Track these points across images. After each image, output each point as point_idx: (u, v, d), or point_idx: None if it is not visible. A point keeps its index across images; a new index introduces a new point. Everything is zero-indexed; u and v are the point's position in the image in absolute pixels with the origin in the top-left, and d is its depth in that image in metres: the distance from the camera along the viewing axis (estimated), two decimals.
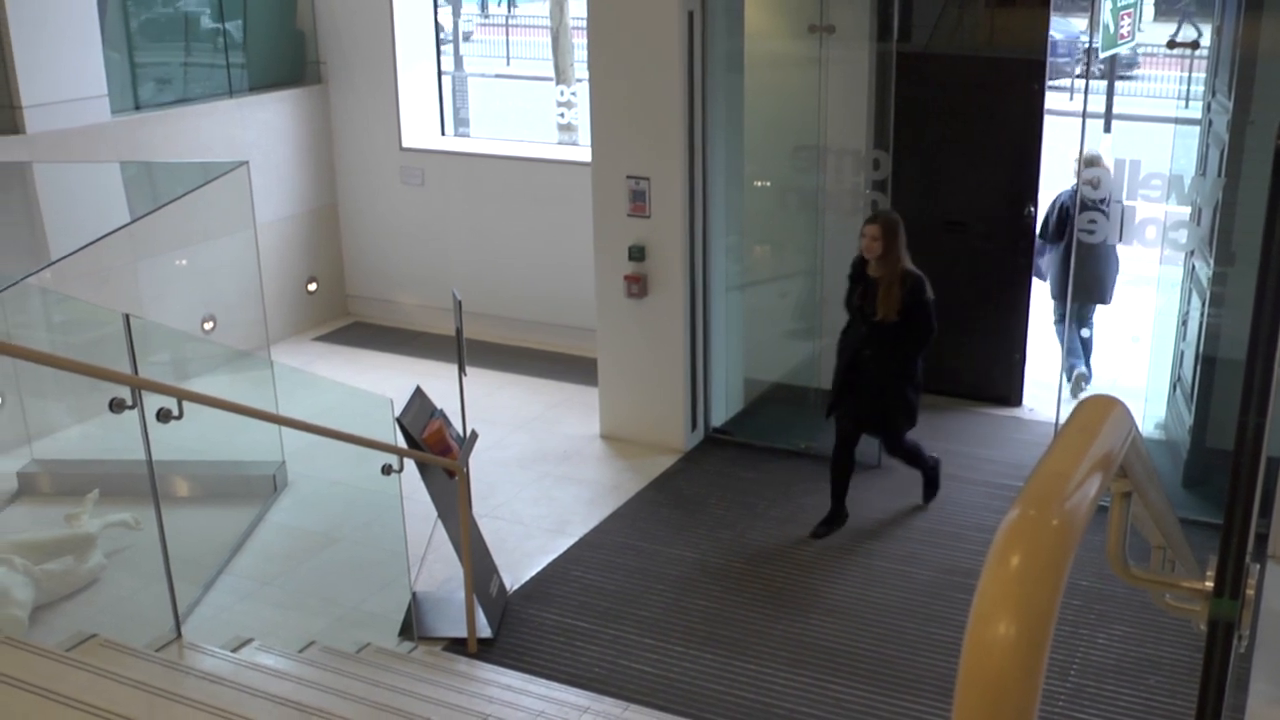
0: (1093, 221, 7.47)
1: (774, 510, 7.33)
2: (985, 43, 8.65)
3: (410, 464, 5.82)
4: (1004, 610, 1.21)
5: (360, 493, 6.79)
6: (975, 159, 8.56)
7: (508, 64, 23.80)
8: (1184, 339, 7.68)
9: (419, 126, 10.49)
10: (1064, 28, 17.58)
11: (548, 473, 7.90)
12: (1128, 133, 13.93)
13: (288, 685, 4.56)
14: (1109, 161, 7.95)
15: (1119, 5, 8.08)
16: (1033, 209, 8.41)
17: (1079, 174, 7.66)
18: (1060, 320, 8.81)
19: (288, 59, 10.35)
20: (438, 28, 10.79)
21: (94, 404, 5.29)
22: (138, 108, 9.28)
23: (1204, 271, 7.23)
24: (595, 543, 7.01)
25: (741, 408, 8.65)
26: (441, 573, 6.61)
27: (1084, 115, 7.54)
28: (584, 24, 7.99)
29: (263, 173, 9.30)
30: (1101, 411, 1.65)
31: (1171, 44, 7.73)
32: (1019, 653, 1.19)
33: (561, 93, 11.54)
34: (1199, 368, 7.25)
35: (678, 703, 5.51)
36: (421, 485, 5.90)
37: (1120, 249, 8.20)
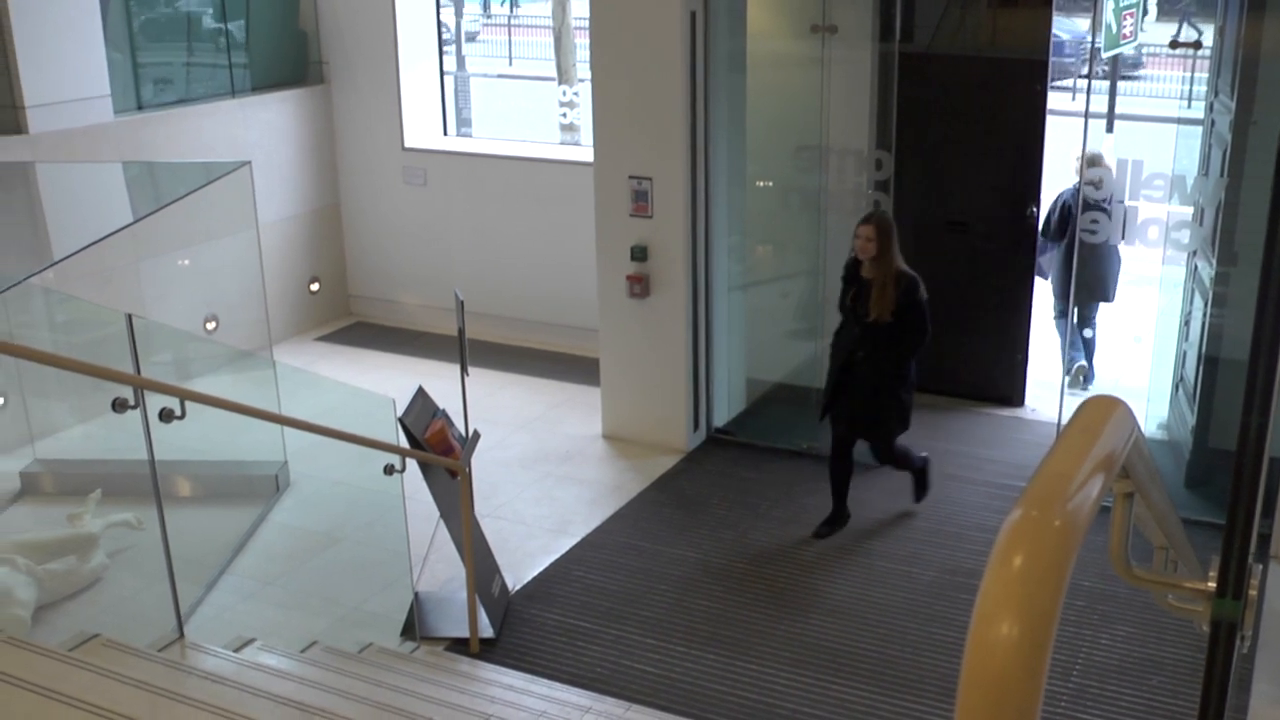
0: (1095, 221, 7.47)
1: (776, 510, 7.33)
2: (987, 43, 8.65)
3: (412, 464, 5.83)
4: (1007, 611, 1.21)
5: (362, 493, 6.79)
6: (977, 159, 8.56)
7: (510, 64, 23.81)
8: (1186, 339, 7.68)
9: (421, 126, 10.49)
10: (1070, 28, 17.56)
11: (550, 473, 7.90)
12: (1130, 133, 13.91)
13: (290, 685, 4.56)
14: (1110, 161, 7.95)
15: (1121, 5, 8.07)
16: (1035, 209, 8.41)
17: (1081, 172, 7.66)
18: (1060, 315, 8.86)
19: (290, 59, 10.36)
20: (440, 27, 10.79)
21: (96, 404, 5.29)
22: (140, 108, 9.29)
23: (1206, 272, 7.22)
24: (597, 543, 7.01)
25: (743, 408, 8.65)
26: (443, 573, 6.61)
27: (1086, 115, 7.54)
28: (586, 24, 7.99)
29: (265, 173, 9.30)
30: (1104, 412, 1.65)
31: (1174, 44, 7.73)
32: (1022, 653, 1.19)
33: (564, 93, 11.56)
34: (1201, 368, 7.25)
35: (680, 703, 5.51)
36: (424, 485, 5.90)
37: (1122, 248, 8.21)
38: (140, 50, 9.36)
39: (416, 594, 6.29)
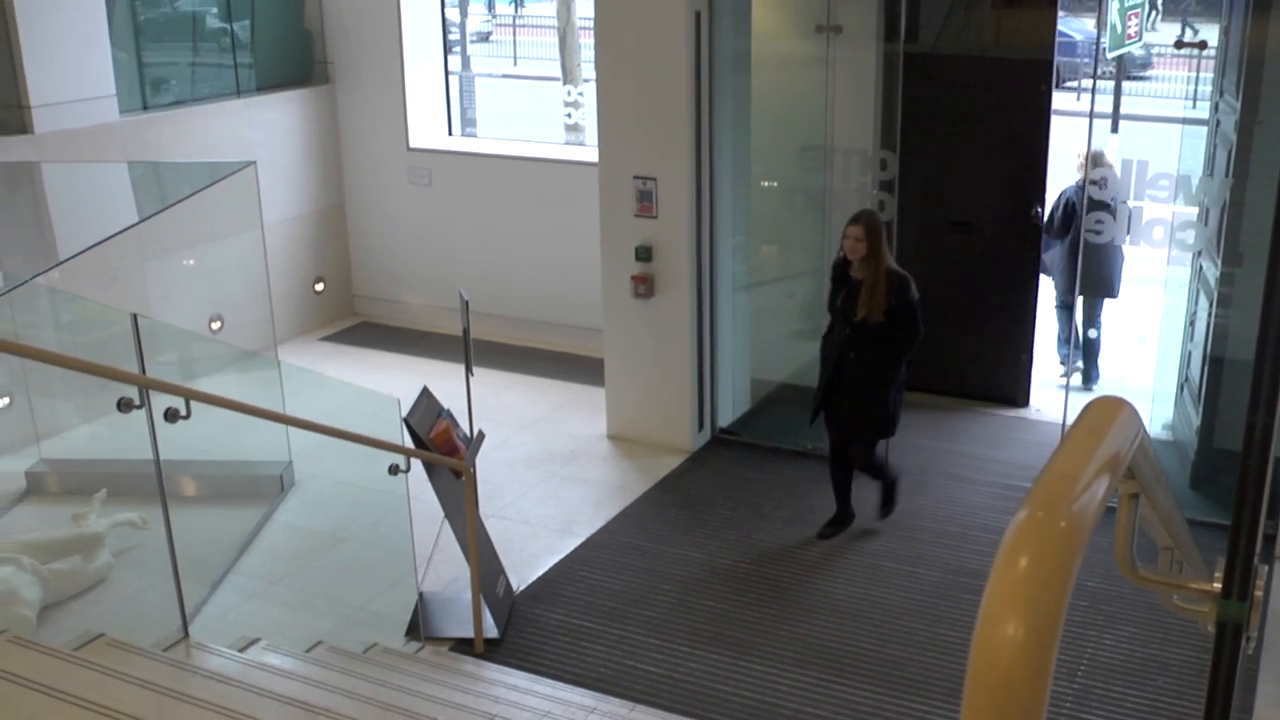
0: (1100, 222, 7.47)
1: (780, 511, 7.33)
2: (992, 43, 8.64)
3: (417, 464, 5.83)
4: (1012, 611, 1.21)
5: (367, 493, 6.79)
6: (982, 159, 8.56)
7: (515, 64, 23.82)
8: (1191, 339, 7.68)
9: (426, 126, 10.50)
10: (1081, 28, 17.54)
11: (554, 473, 7.90)
12: (1135, 133, 13.90)
13: (294, 685, 4.56)
14: (1111, 160, 7.96)
15: (1126, 5, 8.06)
16: (1039, 209, 8.41)
17: (1083, 170, 7.66)
18: (1061, 306, 8.91)
19: (295, 59, 10.37)
20: (447, 27, 10.79)
21: (102, 403, 5.30)
22: (145, 108, 9.30)
23: (1211, 272, 7.22)
24: (602, 543, 7.02)
25: (748, 408, 8.65)
26: (448, 573, 6.61)
27: (1091, 115, 7.54)
28: (591, 24, 8.00)
29: (270, 173, 9.31)
30: (1109, 413, 1.65)
31: (1179, 44, 7.73)
32: (1027, 654, 1.19)
33: (569, 93, 11.55)
34: (1206, 368, 7.24)
35: (684, 703, 5.51)
36: (428, 485, 5.90)
37: (1125, 247, 8.21)
38: (145, 50, 9.37)
39: (421, 594, 6.30)
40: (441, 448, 5.83)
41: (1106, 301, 8.80)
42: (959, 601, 6.29)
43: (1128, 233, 7.45)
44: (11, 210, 8.14)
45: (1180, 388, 7.88)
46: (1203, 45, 7.46)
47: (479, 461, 6.11)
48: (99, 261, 7.07)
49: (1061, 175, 8.78)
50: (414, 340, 10.32)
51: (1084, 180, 7.86)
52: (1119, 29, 8.04)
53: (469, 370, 6.76)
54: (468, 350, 6.72)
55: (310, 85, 10.39)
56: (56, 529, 6.11)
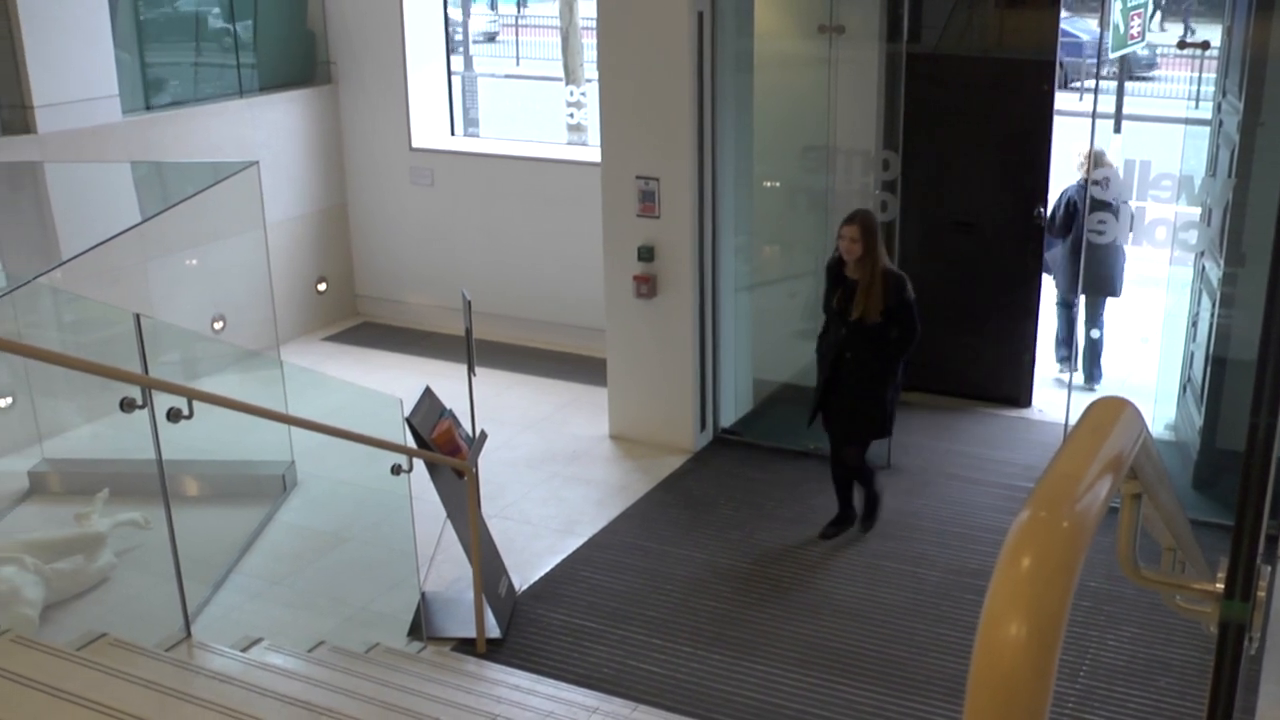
0: (1102, 222, 7.47)
1: (783, 511, 7.33)
2: (995, 43, 8.64)
3: (419, 464, 5.83)
4: (1015, 611, 1.21)
5: (369, 493, 6.79)
6: (985, 160, 8.56)
7: (517, 64, 23.83)
8: (1194, 340, 7.67)
9: (429, 127, 10.50)
10: (1087, 29, 17.55)
11: (557, 473, 7.90)
12: (1138, 133, 13.90)
13: (297, 685, 4.57)
14: (1111, 160, 7.96)
15: (1129, 5, 8.07)
16: (1042, 210, 8.41)
17: (1084, 170, 7.66)
18: (1062, 303, 8.94)
19: (298, 59, 10.37)
20: (449, 28, 10.80)
21: (104, 403, 5.30)
22: (148, 108, 9.30)
23: (1214, 272, 7.21)
24: (604, 543, 7.02)
25: (750, 408, 8.65)
26: (450, 573, 6.61)
27: (1093, 115, 7.54)
28: (593, 24, 8.00)
29: (272, 173, 9.31)
30: (1112, 413, 1.65)
31: (1182, 44, 7.72)
32: (1030, 654, 1.19)
33: (571, 93, 11.54)
34: (1209, 369, 7.24)
35: (686, 703, 5.51)
36: (430, 485, 5.90)
37: (1128, 247, 8.22)
38: (148, 50, 9.38)
39: (423, 594, 6.30)
40: (444, 448, 5.83)
41: (1110, 301, 8.81)
42: (961, 602, 6.28)
43: (1130, 231, 7.44)
44: (14, 210, 8.15)
45: (1183, 388, 7.88)
46: (1205, 45, 7.46)
47: (481, 461, 6.11)
48: (102, 261, 7.07)
49: (1064, 175, 8.79)
50: (416, 340, 10.33)
51: (1084, 180, 7.87)
52: (1121, 29, 8.05)
53: (471, 370, 6.76)
54: (470, 350, 6.72)
55: (313, 85, 10.40)
56: (59, 529, 6.12)
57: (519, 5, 26.90)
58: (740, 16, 7.86)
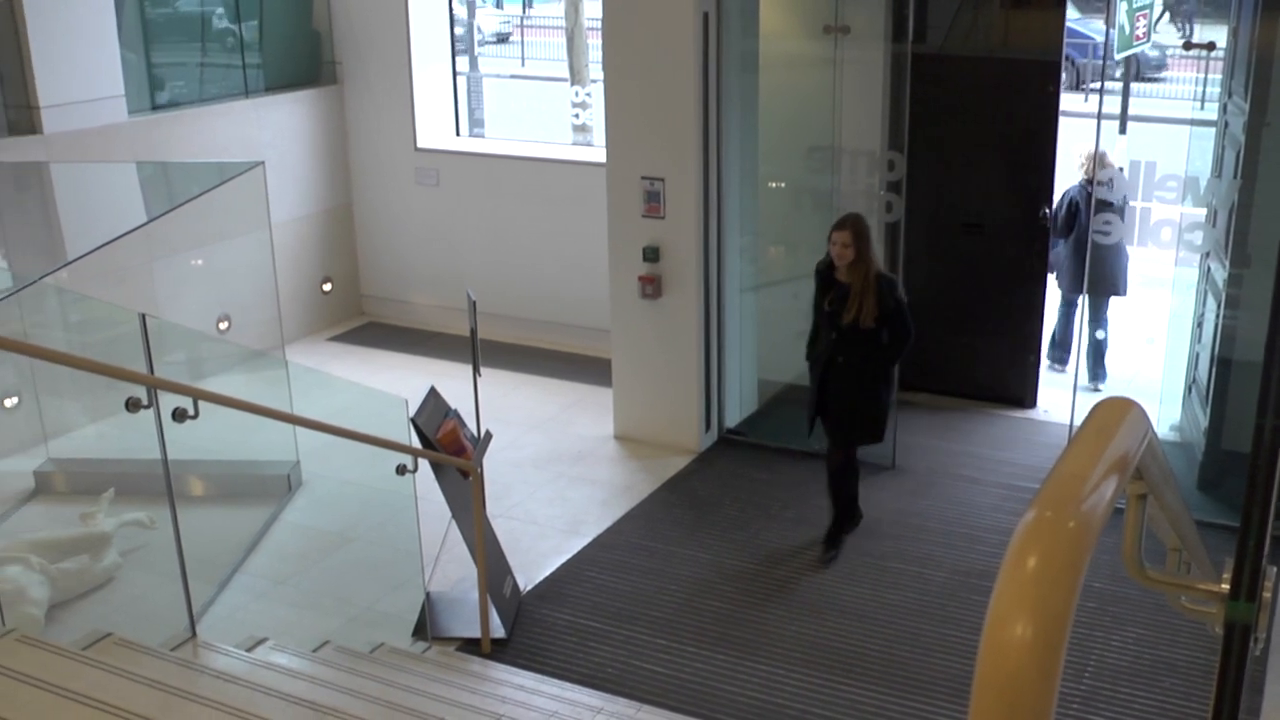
0: (1107, 223, 7.46)
1: (787, 511, 7.32)
2: (1000, 44, 8.64)
3: (424, 464, 5.83)
4: (1021, 612, 1.21)
5: (374, 493, 6.80)
6: (990, 160, 8.55)
7: (523, 64, 23.83)
8: (1199, 341, 7.67)
9: (434, 127, 10.51)
10: (1099, 30, 17.51)
11: (562, 473, 7.90)
12: (1143, 134, 13.88)
13: (302, 684, 4.57)
14: (1113, 160, 7.96)
15: (1135, 6, 8.06)
16: (1047, 210, 8.40)
17: (1086, 170, 7.66)
18: (1065, 304, 8.95)
19: (303, 59, 10.38)
20: (453, 28, 10.80)
21: (110, 403, 5.32)
22: (154, 108, 9.32)
23: (1219, 273, 7.21)
24: (609, 543, 7.02)
25: (755, 409, 8.65)
26: (455, 573, 6.61)
27: (1099, 116, 7.53)
28: (599, 25, 8.00)
29: (278, 173, 9.32)
30: (1118, 414, 1.65)
31: (1187, 45, 7.71)
32: (1036, 654, 1.19)
33: (576, 93, 11.54)
34: (1214, 370, 7.23)
35: (690, 703, 5.51)
36: (436, 485, 5.91)
37: (1133, 248, 8.21)
38: (154, 51, 9.39)
39: (428, 594, 6.30)
40: (449, 448, 5.83)
41: (1115, 302, 8.81)
42: (966, 602, 6.28)
43: (1134, 239, 7.44)
44: (20, 210, 8.17)
45: (1188, 389, 7.88)
46: (1211, 46, 7.45)
47: (486, 462, 6.12)
48: (107, 261, 7.09)
49: (1069, 176, 8.80)
50: (421, 340, 10.33)
51: (1085, 180, 7.87)
52: (1127, 30, 8.04)
53: (476, 370, 6.77)
54: (475, 350, 6.72)
55: (318, 86, 10.40)
56: (64, 528, 6.13)
57: (524, 6, 26.91)
58: (745, 17, 7.86)
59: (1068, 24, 8.64)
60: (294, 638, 5.52)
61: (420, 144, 10.38)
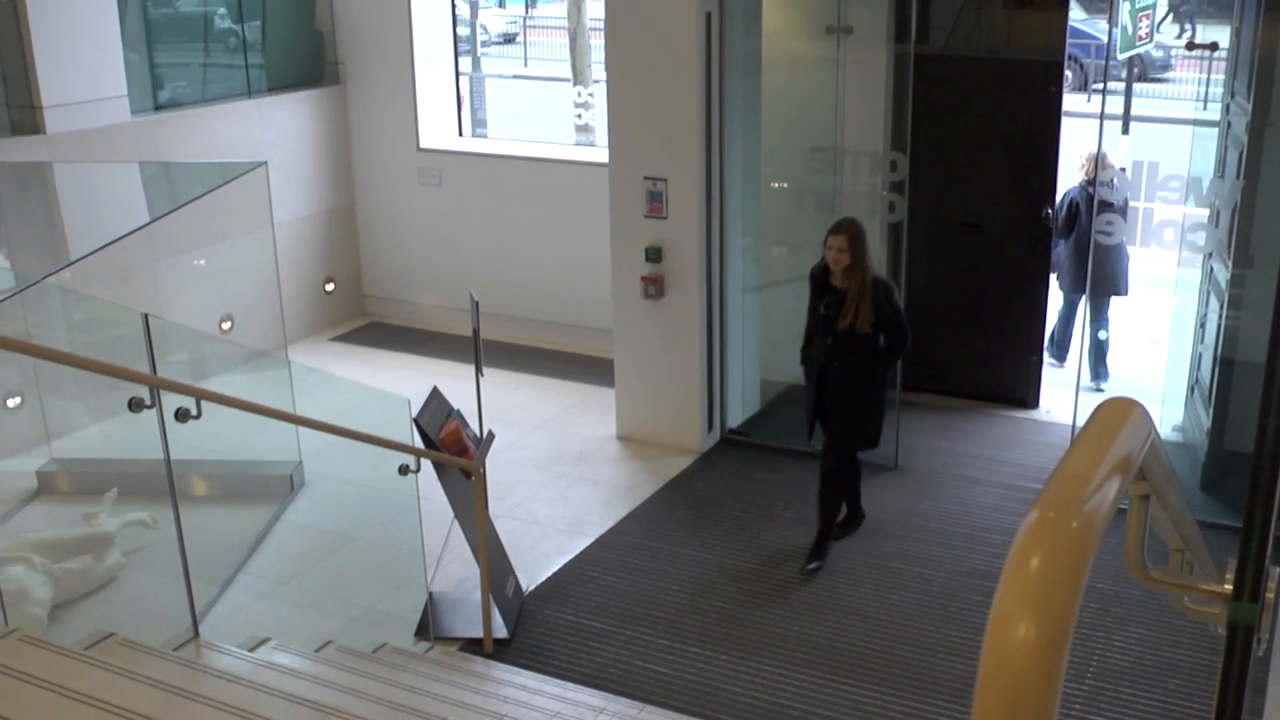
0: (1110, 223, 7.46)
1: (790, 512, 7.32)
2: (1003, 44, 8.63)
3: (427, 464, 5.83)
4: (1024, 612, 1.21)
5: (377, 493, 6.80)
6: (993, 161, 8.55)
7: (525, 65, 23.84)
8: (1202, 341, 7.66)
9: (436, 127, 10.51)
10: (1106, 30, 17.48)
11: (564, 473, 7.90)
12: (1146, 134, 13.87)
13: (304, 684, 4.57)
14: (1114, 161, 7.96)
15: (1138, 7, 8.06)
16: (1050, 211, 8.40)
17: (1086, 171, 7.66)
18: (1066, 304, 8.98)
19: (306, 60, 10.39)
20: (456, 28, 10.80)
21: (113, 403, 5.31)
22: (157, 108, 9.32)
23: (1222, 274, 7.20)
24: (611, 543, 7.02)
25: (758, 409, 8.65)
26: (458, 573, 6.62)
27: (1101, 117, 7.53)
28: (602, 25, 8.00)
29: (281, 173, 9.33)
30: (1120, 414, 1.65)
31: (1190, 45, 7.71)
32: (1038, 654, 1.19)
33: (579, 94, 11.56)
34: (1217, 370, 7.23)
35: (693, 704, 5.51)
36: (438, 485, 5.91)
37: (1137, 249, 8.22)
38: (157, 51, 9.40)
39: (431, 594, 6.31)
40: (451, 448, 5.83)
41: (1118, 302, 8.81)
42: (968, 603, 6.28)
43: (1137, 240, 7.44)
44: (24, 210, 8.18)
45: (1191, 389, 7.87)
46: (1214, 47, 7.45)
47: (489, 462, 6.12)
48: (110, 261, 7.09)
49: (1071, 177, 8.80)
50: (424, 340, 10.33)
51: (1086, 180, 7.87)
52: (1129, 30, 8.04)
53: (479, 371, 6.77)
54: (478, 351, 6.72)
55: (321, 86, 10.41)
56: (67, 528, 6.13)
57: (527, 6, 26.91)
58: (748, 17, 7.86)
59: (1074, 24, 8.65)
60: (296, 638, 5.52)
61: (423, 144, 10.38)
